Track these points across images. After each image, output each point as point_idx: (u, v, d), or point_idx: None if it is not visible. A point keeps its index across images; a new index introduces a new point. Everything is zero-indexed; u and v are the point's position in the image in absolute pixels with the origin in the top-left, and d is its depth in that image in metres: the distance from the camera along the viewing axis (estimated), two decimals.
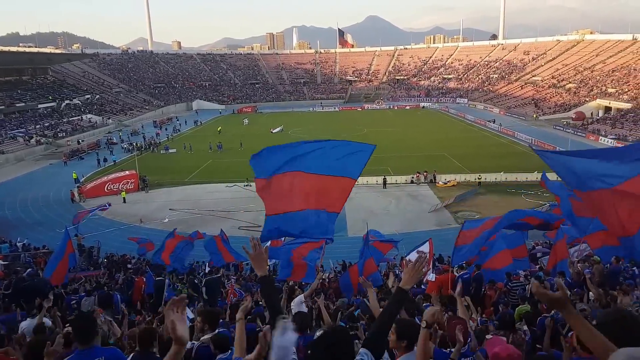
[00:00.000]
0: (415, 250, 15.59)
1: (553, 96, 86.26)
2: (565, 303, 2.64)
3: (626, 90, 73.60)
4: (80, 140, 64.97)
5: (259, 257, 3.75)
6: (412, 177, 42.28)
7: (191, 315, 8.31)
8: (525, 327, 7.20)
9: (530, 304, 9.08)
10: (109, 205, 31.82)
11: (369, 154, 6.39)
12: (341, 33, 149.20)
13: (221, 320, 6.82)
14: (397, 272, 15.16)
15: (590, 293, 9.30)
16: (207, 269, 19.51)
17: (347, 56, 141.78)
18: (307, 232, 6.15)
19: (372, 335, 3.37)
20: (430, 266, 13.80)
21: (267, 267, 3.66)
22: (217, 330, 5.55)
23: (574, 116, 71.39)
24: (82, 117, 77.80)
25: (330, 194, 6.40)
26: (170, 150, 59.60)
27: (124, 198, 38.56)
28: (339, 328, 3.67)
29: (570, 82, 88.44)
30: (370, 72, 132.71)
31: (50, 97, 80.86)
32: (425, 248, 13.47)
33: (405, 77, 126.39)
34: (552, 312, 8.28)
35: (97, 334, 4.43)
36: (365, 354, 3.09)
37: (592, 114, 73.18)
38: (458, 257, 10.49)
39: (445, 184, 41.03)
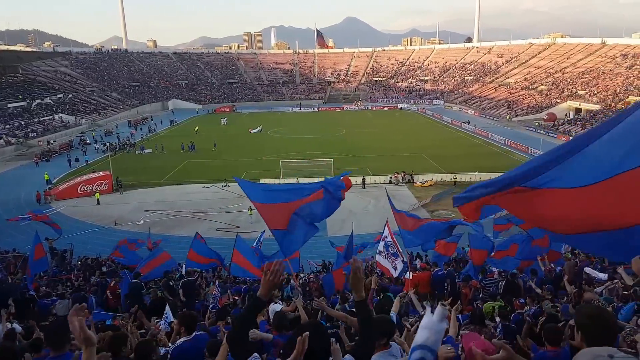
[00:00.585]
0: (382, 240, 15.64)
1: (525, 98, 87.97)
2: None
3: (595, 92, 75.48)
4: (51, 141, 63.48)
5: (275, 280, 3.38)
6: (391, 177, 42.69)
7: (171, 319, 8.32)
8: (493, 323, 7.41)
9: (504, 301, 9.32)
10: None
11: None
12: (320, 34, 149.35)
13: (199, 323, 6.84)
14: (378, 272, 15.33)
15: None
16: (184, 271, 19.38)
17: (326, 57, 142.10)
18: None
19: (360, 346, 3.43)
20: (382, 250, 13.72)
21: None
22: (194, 334, 5.54)
23: (545, 117, 72.87)
24: (53, 117, 76.11)
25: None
26: (146, 151, 58.94)
27: (97, 199, 37.96)
28: (314, 322, 3.72)
29: (542, 85, 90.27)
30: (349, 73, 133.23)
31: (20, 97, 78.64)
32: (385, 232, 13.53)
33: (384, 79, 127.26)
34: (527, 308, 8.55)
35: (70, 340, 4.39)
36: None
37: (566, 114, 74.84)
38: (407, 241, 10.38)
39: (423, 184, 41.56)
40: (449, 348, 2.94)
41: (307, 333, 2.79)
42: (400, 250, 12.34)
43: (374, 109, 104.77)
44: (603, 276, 11.78)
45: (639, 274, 3.16)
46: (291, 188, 7.58)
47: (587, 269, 10.97)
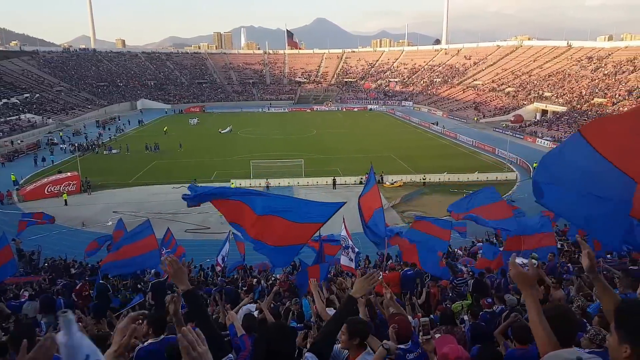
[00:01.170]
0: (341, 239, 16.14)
1: (493, 100, 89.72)
2: (532, 282, 2.89)
3: (562, 94, 77.52)
4: (18, 141, 61.72)
5: (179, 272, 3.49)
6: (361, 178, 42.90)
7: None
8: (461, 322, 7.53)
9: (473, 299, 9.49)
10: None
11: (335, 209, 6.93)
12: (290, 34, 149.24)
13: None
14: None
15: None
16: (153, 272, 19.07)
17: (296, 57, 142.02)
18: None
19: (319, 340, 3.47)
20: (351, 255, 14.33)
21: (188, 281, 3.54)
22: (162, 337, 5.48)
23: (512, 119, 74.46)
24: (20, 117, 74.12)
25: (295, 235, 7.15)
26: (113, 151, 57.89)
27: (65, 200, 37.15)
28: (279, 324, 3.73)
29: (509, 86, 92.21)
30: (319, 74, 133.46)
31: None
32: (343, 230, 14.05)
33: (353, 80, 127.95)
34: (495, 307, 8.71)
35: (36, 343, 4.32)
36: (311, 358, 3.22)
37: (536, 116, 76.68)
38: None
39: (392, 184, 41.98)
40: None
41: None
42: (352, 243, 12.99)
43: (344, 109, 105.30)
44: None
45: (514, 276, 3.27)
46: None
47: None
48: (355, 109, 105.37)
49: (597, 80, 77.56)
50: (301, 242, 7.05)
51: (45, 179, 40.97)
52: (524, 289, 2.95)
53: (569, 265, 13.41)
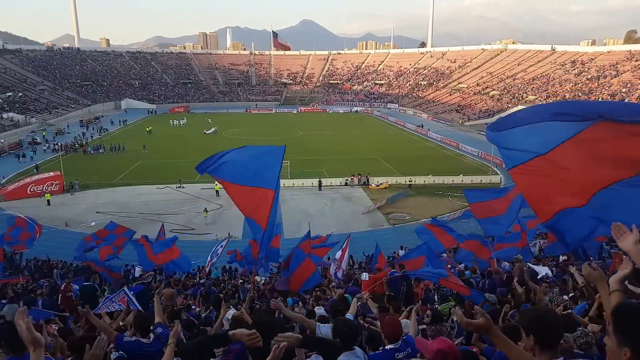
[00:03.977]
0: (340, 249, 16.34)
1: (478, 103, 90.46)
2: (489, 328, 2.79)
3: (545, 97, 78.51)
4: (1, 140, 60.64)
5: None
6: (347, 180, 43.04)
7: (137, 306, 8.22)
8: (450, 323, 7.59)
9: (457, 302, 9.53)
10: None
11: (280, 157, 6.68)
12: (275, 35, 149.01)
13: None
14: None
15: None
16: (138, 273, 18.93)
17: (282, 59, 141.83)
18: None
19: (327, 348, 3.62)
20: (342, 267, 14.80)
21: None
22: (151, 338, 5.46)
23: None
24: (2, 116, 72.95)
25: (252, 205, 6.89)
26: (100, 150, 57.33)
27: (48, 200, 36.66)
28: (262, 319, 3.80)
29: (493, 90, 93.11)
30: (305, 75, 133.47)
31: None
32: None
33: (339, 82, 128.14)
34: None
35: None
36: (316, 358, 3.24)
37: None
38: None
39: (378, 186, 42.09)
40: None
41: (285, 343, 2.92)
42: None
43: (330, 111, 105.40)
44: (545, 271, 12.20)
45: (589, 278, 3.30)
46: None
47: (531, 265, 11.29)
48: (341, 111, 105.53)
49: (580, 84, 78.78)
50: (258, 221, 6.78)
51: (28, 179, 40.38)
52: (482, 334, 2.95)
53: (553, 269, 13.56)
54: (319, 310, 8.18)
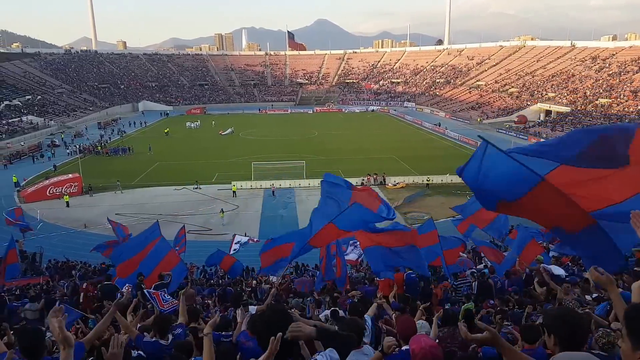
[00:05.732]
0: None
1: (496, 100, 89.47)
2: (496, 341, 2.83)
3: (565, 94, 77.32)
4: (21, 143, 61.57)
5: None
6: (363, 180, 42.75)
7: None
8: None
9: (477, 302, 9.36)
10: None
11: None
12: (291, 35, 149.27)
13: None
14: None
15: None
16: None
17: (298, 59, 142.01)
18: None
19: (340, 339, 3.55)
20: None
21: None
22: (170, 337, 5.57)
23: (516, 120, 74.20)
24: (22, 119, 74.28)
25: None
26: (120, 153, 57.96)
27: (67, 202, 37.11)
28: (276, 307, 3.80)
29: (512, 87, 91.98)
30: (321, 75, 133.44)
31: None
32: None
33: (355, 81, 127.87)
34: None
35: (46, 348, 4.28)
36: (330, 352, 3.17)
37: (539, 116, 76.43)
38: None
39: (395, 185, 41.79)
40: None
41: (280, 334, 2.92)
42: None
43: (346, 111, 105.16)
44: (560, 271, 11.94)
45: (596, 281, 3.26)
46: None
47: (545, 265, 11.08)
48: (357, 110, 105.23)
49: (601, 81, 77.28)
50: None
51: (47, 181, 40.88)
52: (490, 346, 3.05)
53: (574, 268, 13.28)
54: (325, 313, 8.15)
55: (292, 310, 9.50)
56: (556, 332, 2.75)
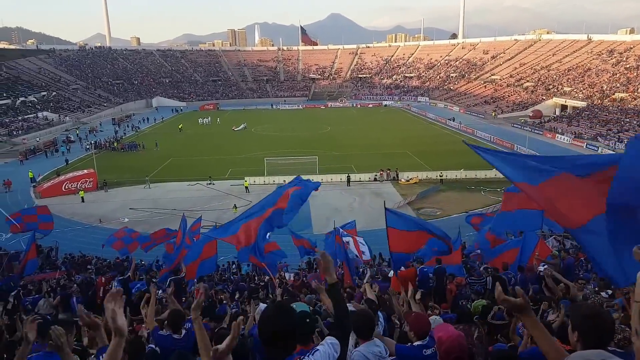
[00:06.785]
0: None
1: (511, 95, 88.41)
2: (526, 309, 2.77)
3: (581, 89, 76.15)
4: (36, 139, 62.57)
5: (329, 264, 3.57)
6: (376, 175, 42.64)
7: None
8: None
9: (488, 299, 9.24)
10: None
11: None
12: (303, 30, 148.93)
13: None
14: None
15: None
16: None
17: (310, 54, 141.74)
18: None
19: (335, 328, 3.45)
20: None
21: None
22: (183, 332, 5.60)
23: (531, 114, 73.34)
24: (37, 115, 75.25)
25: None
26: (135, 149, 58.43)
27: (82, 197, 37.55)
28: (280, 303, 3.75)
29: (527, 81, 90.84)
30: (333, 70, 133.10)
31: (4, 94, 77.98)
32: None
33: (368, 75, 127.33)
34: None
35: (49, 337, 4.30)
36: (330, 340, 3.13)
37: (555, 111, 75.45)
38: None
39: (408, 181, 41.51)
40: None
41: (241, 317, 2.85)
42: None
43: (359, 106, 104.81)
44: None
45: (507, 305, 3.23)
46: None
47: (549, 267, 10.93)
48: (370, 105, 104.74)
49: (618, 75, 75.95)
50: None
51: (63, 176, 41.38)
52: (518, 315, 2.93)
53: (589, 265, 13.10)
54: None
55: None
56: (583, 330, 2.72)
